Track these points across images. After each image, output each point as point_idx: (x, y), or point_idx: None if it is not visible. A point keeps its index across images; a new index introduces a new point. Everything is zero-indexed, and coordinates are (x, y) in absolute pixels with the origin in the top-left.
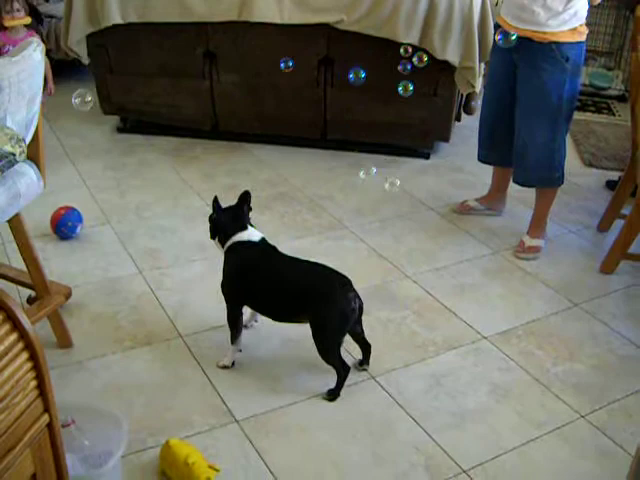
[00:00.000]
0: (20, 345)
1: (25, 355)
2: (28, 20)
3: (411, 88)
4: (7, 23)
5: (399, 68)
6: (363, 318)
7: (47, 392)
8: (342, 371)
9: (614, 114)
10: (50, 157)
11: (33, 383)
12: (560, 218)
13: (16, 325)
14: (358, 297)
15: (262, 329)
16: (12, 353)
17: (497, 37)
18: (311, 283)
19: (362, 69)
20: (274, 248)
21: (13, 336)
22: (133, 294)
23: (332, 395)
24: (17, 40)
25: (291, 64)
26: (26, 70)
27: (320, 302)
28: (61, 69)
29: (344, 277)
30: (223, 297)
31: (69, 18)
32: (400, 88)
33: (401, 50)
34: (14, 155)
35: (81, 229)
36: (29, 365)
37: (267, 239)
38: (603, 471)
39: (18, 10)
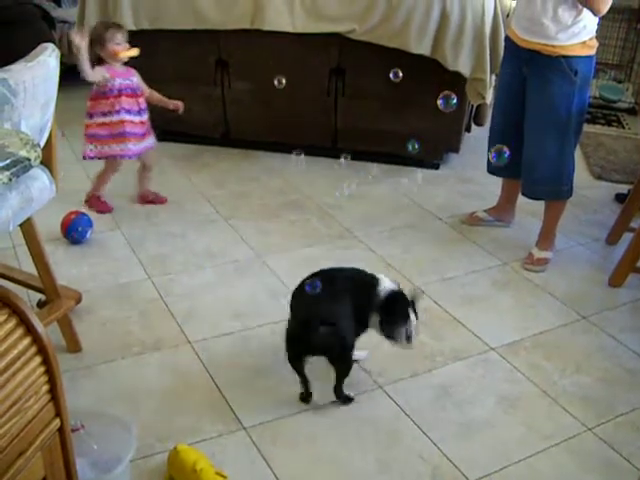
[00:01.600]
0: (33, 349)
1: (38, 359)
2: (136, 51)
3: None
4: (122, 54)
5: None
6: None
7: (59, 396)
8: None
9: (624, 127)
10: (61, 162)
11: (45, 387)
12: (569, 231)
13: (29, 329)
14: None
15: (270, 337)
16: (25, 357)
17: (491, 156)
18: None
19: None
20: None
21: (26, 340)
22: (142, 300)
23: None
24: (122, 73)
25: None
26: (41, 75)
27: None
28: (73, 75)
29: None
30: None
31: (82, 23)
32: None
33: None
34: (29, 160)
35: (91, 234)
36: (42, 369)
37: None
38: None
39: (126, 41)
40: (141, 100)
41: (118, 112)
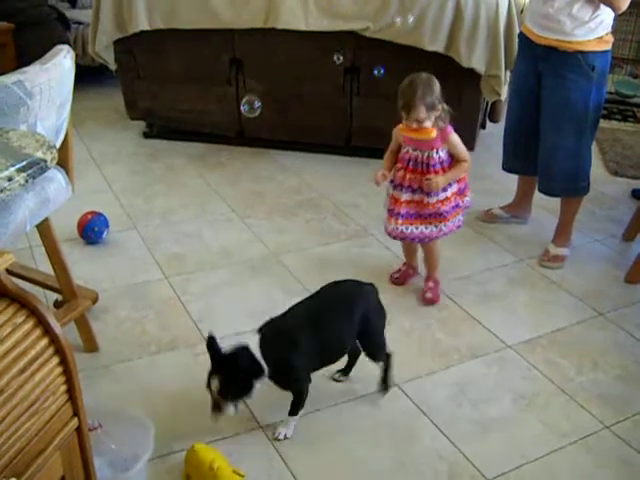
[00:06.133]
0: (51, 350)
1: (55, 360)
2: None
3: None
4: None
5: None
6: (388, 327)
7: (76, 396)
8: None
9: None
10: (76, 162)
11: (63, 387)
12: (585, 227)
13: (47, 330)
14: None
15: None
16: (43, 358)
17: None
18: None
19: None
20: None
21: (44, 341)
22: (159, 299)
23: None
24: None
25: None
26: (56, 77)
27: None
28: (88, 75)
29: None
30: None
31: (96, 24)
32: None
33: None
34: (45, 161)
35: (107, 234)
36: (59, 370)
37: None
38: None
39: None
40: None
41: None
